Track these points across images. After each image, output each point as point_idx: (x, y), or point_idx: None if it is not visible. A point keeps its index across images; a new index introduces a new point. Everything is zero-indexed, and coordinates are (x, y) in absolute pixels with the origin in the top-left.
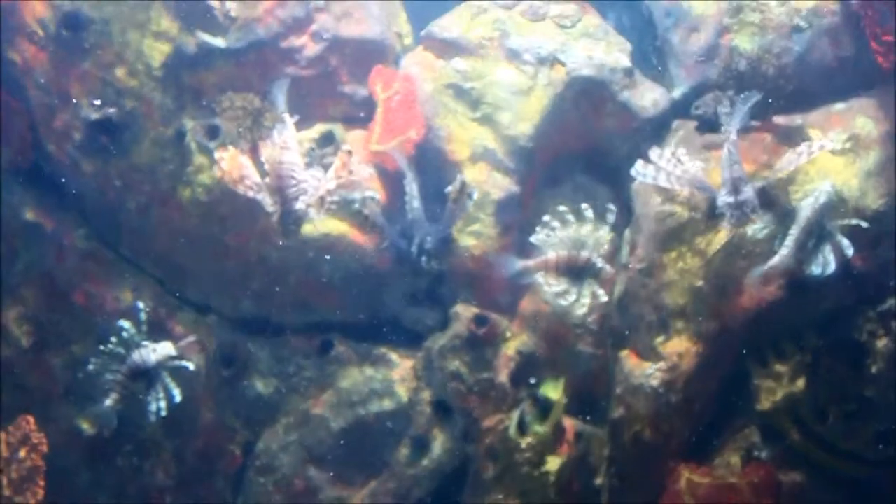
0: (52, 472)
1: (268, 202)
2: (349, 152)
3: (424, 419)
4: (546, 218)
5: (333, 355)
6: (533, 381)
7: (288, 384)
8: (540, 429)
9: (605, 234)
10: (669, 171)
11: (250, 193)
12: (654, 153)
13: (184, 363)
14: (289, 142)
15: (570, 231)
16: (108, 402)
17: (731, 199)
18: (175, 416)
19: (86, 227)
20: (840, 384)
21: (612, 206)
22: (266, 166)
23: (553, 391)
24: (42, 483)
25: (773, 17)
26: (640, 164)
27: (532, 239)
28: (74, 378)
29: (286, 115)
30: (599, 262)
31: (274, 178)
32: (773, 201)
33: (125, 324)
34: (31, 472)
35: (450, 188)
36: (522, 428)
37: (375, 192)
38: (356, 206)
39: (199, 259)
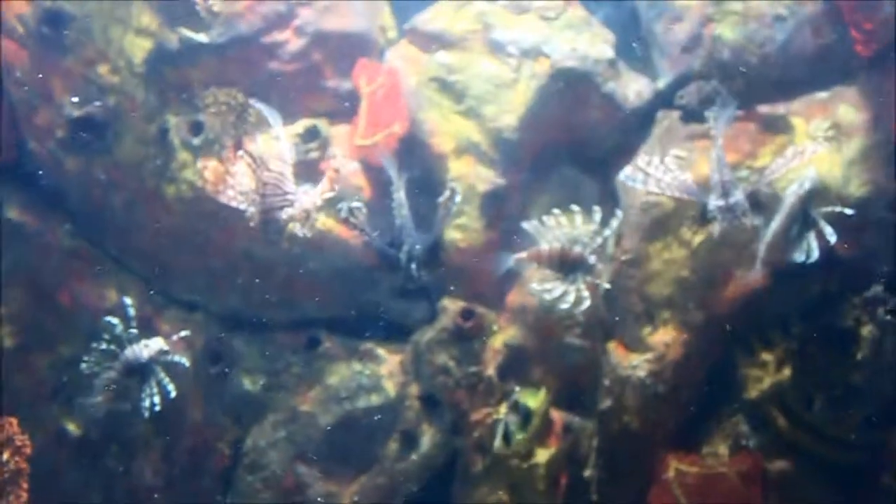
0: (40, 473)
1: (250, 211)
2: (337, 170)
3: (413, 414)
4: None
5: (321, 351)
6: (517, 388)
7: (276, 381)
8: (522, 439)
9: (599, 230)
10: (659, 177)
11: (233, 203)
12: (642, 160)
13: (177, 359)
14: (283, 153)
15: (565, 226)
16: (100, 399)
17: (721, 203)
18: (163, 414)
19: (70, 224)
20: (826, 371)
21: (618, 213)
22: (249, 172)
23: (533, 400)
24: (25, 486)
25: (755, 6)
26: (629, 169)
27: (524, 225)
28: (61, 379)
29: (279, 127)
30: (592, 258)
31: (259, 186)
32: (763, 204)
33: (114, 320)
34: (15, 475)
35: (441, 199)
36: (507, 438)
37: (360, 200)
38: (342, 214)
39: (184, 256)
